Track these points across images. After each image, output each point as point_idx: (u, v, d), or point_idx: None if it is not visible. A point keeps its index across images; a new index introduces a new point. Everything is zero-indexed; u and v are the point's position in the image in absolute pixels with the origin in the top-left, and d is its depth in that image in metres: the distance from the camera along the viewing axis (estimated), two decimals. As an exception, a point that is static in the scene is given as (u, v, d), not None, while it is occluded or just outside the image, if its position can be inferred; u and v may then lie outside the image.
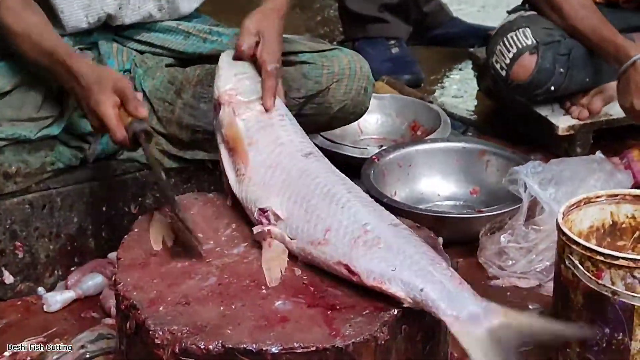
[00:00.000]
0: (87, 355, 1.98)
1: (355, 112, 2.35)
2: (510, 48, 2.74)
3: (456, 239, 2.37)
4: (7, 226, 2.21)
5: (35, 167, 2.18)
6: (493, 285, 2.29)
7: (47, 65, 2.04)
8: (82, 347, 2.00)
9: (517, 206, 2.32)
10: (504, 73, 2.75)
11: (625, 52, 2.55)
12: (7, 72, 2.17)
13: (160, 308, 1.67)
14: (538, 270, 2.29)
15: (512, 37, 2.75)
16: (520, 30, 2.76)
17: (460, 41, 3.68)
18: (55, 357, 1.97)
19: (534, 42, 2.73)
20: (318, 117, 2.31)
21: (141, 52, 2.34)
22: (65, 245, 2.28)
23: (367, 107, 2.38)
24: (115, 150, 2.30)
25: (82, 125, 2.19)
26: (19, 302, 2.24)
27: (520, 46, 2.73)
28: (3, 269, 2.23)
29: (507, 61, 2.74)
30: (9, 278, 2.24)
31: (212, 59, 2.30)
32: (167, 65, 2.33)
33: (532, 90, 2.76)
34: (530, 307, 2.21)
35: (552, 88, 2.74)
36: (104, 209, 2.30)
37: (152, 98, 2.28)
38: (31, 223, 2.23)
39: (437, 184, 2.63)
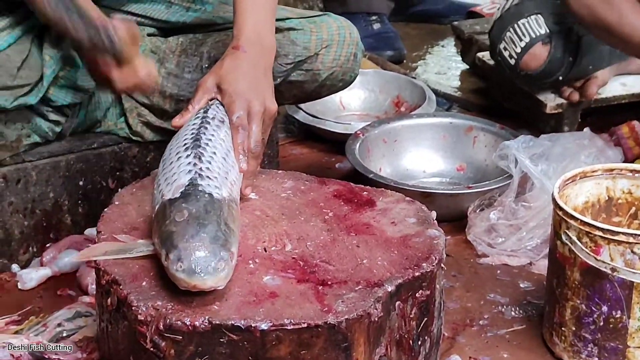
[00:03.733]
0: (64, 334, 1.91)
1: (344, 80, 2.27)
2: (522, 37, 2.62)
3: (444, 216, 2.29)
4: (-20, 200, 2.13)
5: (11, 140, 2.09)
6: (482, 264, 2.24)
7: None
8: (59, 325, 1.93)
9: (507, 182, 2.27)
10: (512, 62, 2.64)
11: None
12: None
13: (143, 283, 1.59)
14: (528, 248, 2.24)
15: (523, 25, 2.62)
16: (532, 17, 2.62)
17: (442, 18, 3.63)
18: (32, 334, 1.89)
19: (547, 31, 2.60)
20: (306, 85, 2.23)
21: None
22: (40, 221, 2.19)
23: (357, 74, 2.30)
24: (93, 124, 2.22)
25: (60, 97, 2.10)
26: (-7, 279, 2.16)
27: (533, 35, 2.60)
28: (-24, 245, 2.15)
29: (518, 50, 2.62)
30: (-19, 254, 2.16)
31: (196, 28, 2.23)
32: (149, 35, 2.24)
33: (540, 80, 2.67)
34: (521, 285, 2.16)
35: (560, 78, 2.66)
36: (80, 183, 2.22)
37: None
38: (5, 198, 2.14)
39: (423, 161, 2.57)
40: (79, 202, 2.23)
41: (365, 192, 1.87)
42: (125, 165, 2.26)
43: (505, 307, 2.08)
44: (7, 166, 2.13)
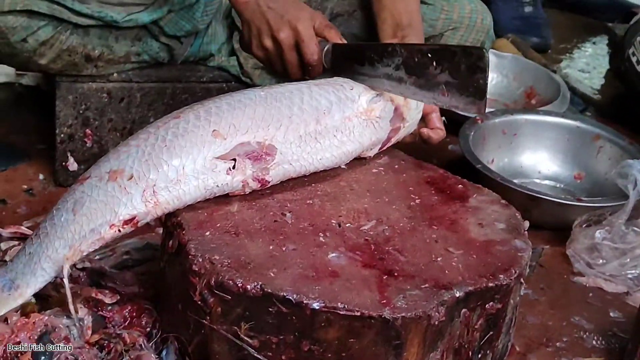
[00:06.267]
0: (130, 263, 1.87)
1: None
2: None
3: (547, 223, 2.18)
4: (81, 111, 2.10)
5: (120, 55, 2.06)
6: (575, 282, 2.09)
7: None
8: (127, 253, 1.89)
9: (622, 202, 2.11)
10: (639, 68, 2.49)
11: None
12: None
13: (207, 233, 1.53)
14: (629, 276, 2.08)
15: None
16: None
17: (600, 13, 3.44)
18: (97, 257, 1.86)
19: None
20: None
21: None
22: (136, 144, 2.16)
23: None
24: (206, 56, 2.17)
25: (179, 27, 2.05)
26: (78, 192, 2.14)
27: None
28: (69, 154, 2.14)
29: None
30: (73, 165, 2.15)
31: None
32: None
33: None
34: (611, 314, 2.01)
35: None
36: (182, 114, 2.17)
37: None
38: (106, 114, 2.12)
39: (540, 161, 2.43)
40: (178, 132, 2.18)
41: (460, 185, 1.76)
42: (231, 105, 2.20)
43: (587, 333, 1.94)
44: (113, 82, 2.10)
